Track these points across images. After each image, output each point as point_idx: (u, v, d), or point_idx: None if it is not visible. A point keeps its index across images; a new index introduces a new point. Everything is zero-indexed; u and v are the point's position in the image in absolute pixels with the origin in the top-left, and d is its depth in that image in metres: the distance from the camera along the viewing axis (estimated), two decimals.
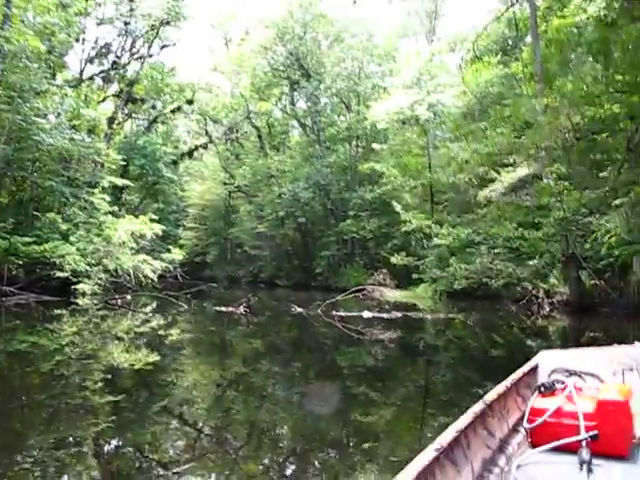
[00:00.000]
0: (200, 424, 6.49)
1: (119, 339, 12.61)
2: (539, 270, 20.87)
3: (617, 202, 16.79)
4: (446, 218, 28.00)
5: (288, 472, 5.15)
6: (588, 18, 16.15)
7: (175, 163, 38.12)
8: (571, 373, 4.40)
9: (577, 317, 18.07)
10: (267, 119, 43.64)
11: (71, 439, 5.55)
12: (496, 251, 22.88)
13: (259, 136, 43.16)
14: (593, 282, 18.95)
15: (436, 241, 25.90)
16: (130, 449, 5.44)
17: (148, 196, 36.93)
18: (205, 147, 42.22)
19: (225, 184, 44.31)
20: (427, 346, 13.51)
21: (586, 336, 13.95)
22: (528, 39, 25.17)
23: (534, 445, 3.63)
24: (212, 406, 7.41)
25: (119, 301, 19.20)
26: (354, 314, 17.65)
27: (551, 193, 19.17)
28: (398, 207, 28.32)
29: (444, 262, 24.87)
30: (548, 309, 19.28)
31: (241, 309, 17.20)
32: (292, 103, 41.01)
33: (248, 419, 6.69)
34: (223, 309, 18.44)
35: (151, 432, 5.89)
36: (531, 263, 21.05)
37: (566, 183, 18.67)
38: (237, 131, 44.87)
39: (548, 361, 4.69)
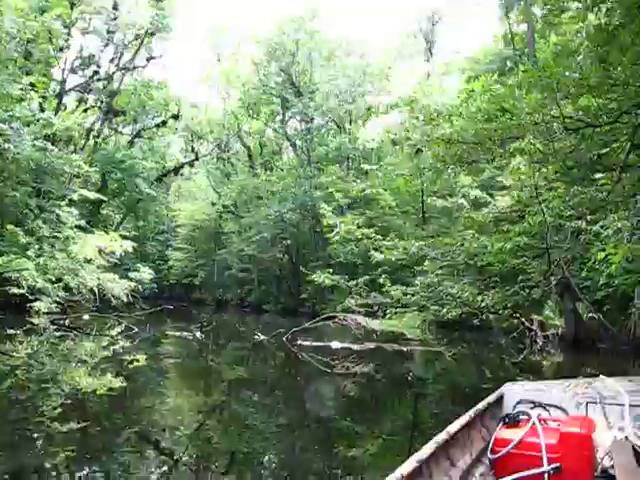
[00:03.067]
0: (173, 452, 6.01)
1: (81, 362, 11.89)
2: (510, 297, 17.41)
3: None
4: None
5: None
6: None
7: (160, 180, 36.91)
8: (536, 405, 4.45)
9: (573, 353, 16.75)
10: (259, 138, 42.70)
11: (31, 469, 5.07)
12: (445, 269, 19.29)
13: (249, 155, 42.21)
14: (591, 315, 17.39)
15: (377, 256, 22.51)
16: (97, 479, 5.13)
17: (129, 213, 35.69)
18: (192, 165, 41.14)
19: (214, 204, 43.29)
20: (403, 381, 12.08)
21: (582, 373, 12.58)
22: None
23: (498, 476, 3.59)
24: (181, 434, 6.88)
25: (66, 322, 17.91)
26: (321, 344, 16.29)
27: (520, 185, 15.20)
28: (327, 209, 25.55)
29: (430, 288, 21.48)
30: (541, 343, 17.87)
31: (198, 334, 15.91)
32: (283, 122, 39.99)
33: (223, 448, 6.40)
34: (177, 334, 17.16)
35: (120, 462, 5.45)
36: (496, 289, 17.71)
37: (544, 170, 14.79)
38: (228, 150, 43.97)
39: (513, 392, 4.73)
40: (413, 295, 19.38)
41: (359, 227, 24.48)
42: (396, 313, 21.59)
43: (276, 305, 37.62)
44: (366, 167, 31.08)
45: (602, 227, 13.54)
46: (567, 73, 11.83)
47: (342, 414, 8.39)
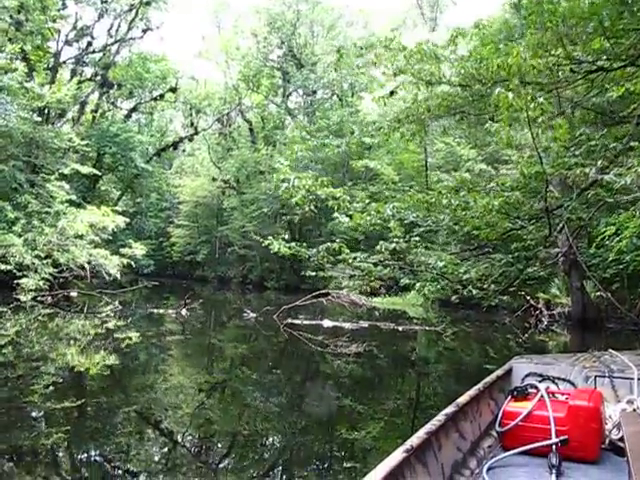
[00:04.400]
0: (172, 432, 5.88)
1: (72, 340, 11.66)
2: (501, 268, 14.70)
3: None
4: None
5: None
6: None
7: (159, 155, 36.20)
8: (544, 378, 4.46)
9: (580, 332, 16.17)
10: (261, 112, 41.91)
11: (24, 449, 4.84)
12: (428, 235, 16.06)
13: (250, 130, 41.48)
14: (599, 293, 16.58)
15: (343, 220, 19.20)
16: (94, 459, 4.94)
17: (127, 189, 35.08)
18: (191, 139, 40.44)
19: (214, 179, 42.67)
20: (402, 361, 11.75)
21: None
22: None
23: (506, 448, 3.66)
24: (182, 413, 6.71)
25: (55, 299, 17.54)
26: (312, 322, 15.87)
27: (510, 117, 9.90)
28: (283, 163, 22.56)
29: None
30: (547, 322, 17.23)
31: (183, 311, 15.35)
32: (284, 95, 39.14)
33: (223, 429, 6.24)
34: (161, 311, 16.71)
35: (117, 442, 5.28)
36: (485, 260, 14.89)
37: (542, 99, 9.48)
38: (230, 125, 43.21)
39: (522, 366, 4.72)
40: (385, 267, 16.32)
41: (323, 185, 22.01)
42: (354, 286, 19.41)
43: (278, 282, 37.23)
44: (367, 140, 30.22)
45: (619, 175, 10.41)
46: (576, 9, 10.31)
47: (342, 393, 8.26)
